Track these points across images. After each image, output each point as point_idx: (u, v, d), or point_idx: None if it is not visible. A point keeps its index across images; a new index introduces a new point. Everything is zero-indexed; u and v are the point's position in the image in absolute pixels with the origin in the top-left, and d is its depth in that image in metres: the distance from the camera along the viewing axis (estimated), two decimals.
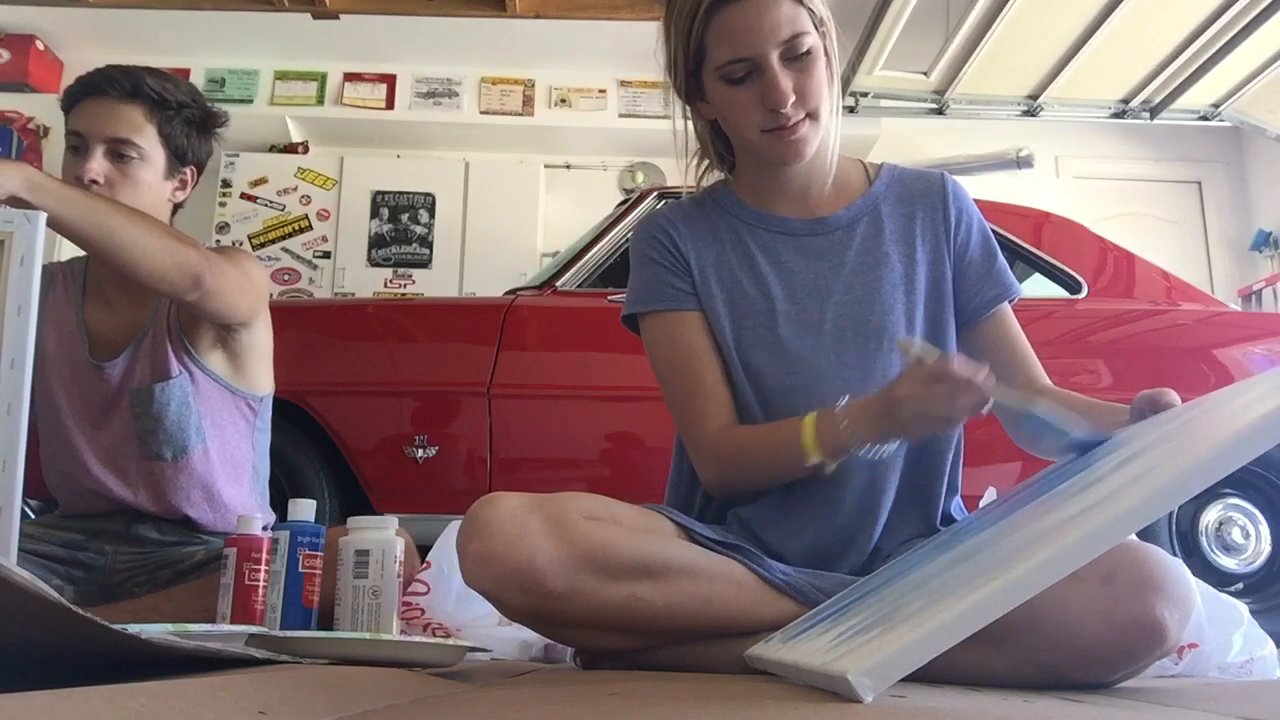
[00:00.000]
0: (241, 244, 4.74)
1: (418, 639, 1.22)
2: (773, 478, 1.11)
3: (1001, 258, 1.25)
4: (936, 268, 1.20)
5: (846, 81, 4.25)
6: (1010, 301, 1.23)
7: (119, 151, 1.47)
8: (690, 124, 1.26)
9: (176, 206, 1.59)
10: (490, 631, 1.42)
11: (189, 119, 1.54)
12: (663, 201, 2.82)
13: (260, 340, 1.58)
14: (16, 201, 1.16)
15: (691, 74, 1.17)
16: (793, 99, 1.09)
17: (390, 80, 5.00)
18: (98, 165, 1.45)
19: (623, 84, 5.04)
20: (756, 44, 1.08)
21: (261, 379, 1.62)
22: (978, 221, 1.24)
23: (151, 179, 1.50)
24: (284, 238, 4.85)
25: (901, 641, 0.57)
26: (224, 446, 1.56)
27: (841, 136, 1.21)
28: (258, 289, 1.51)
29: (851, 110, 4.30)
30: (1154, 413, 0.96)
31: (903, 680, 0.57)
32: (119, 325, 1.54)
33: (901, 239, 1.20)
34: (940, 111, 4.49)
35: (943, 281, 1.20)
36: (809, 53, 1.10)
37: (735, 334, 1.17)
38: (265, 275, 1.57)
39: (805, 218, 1.21)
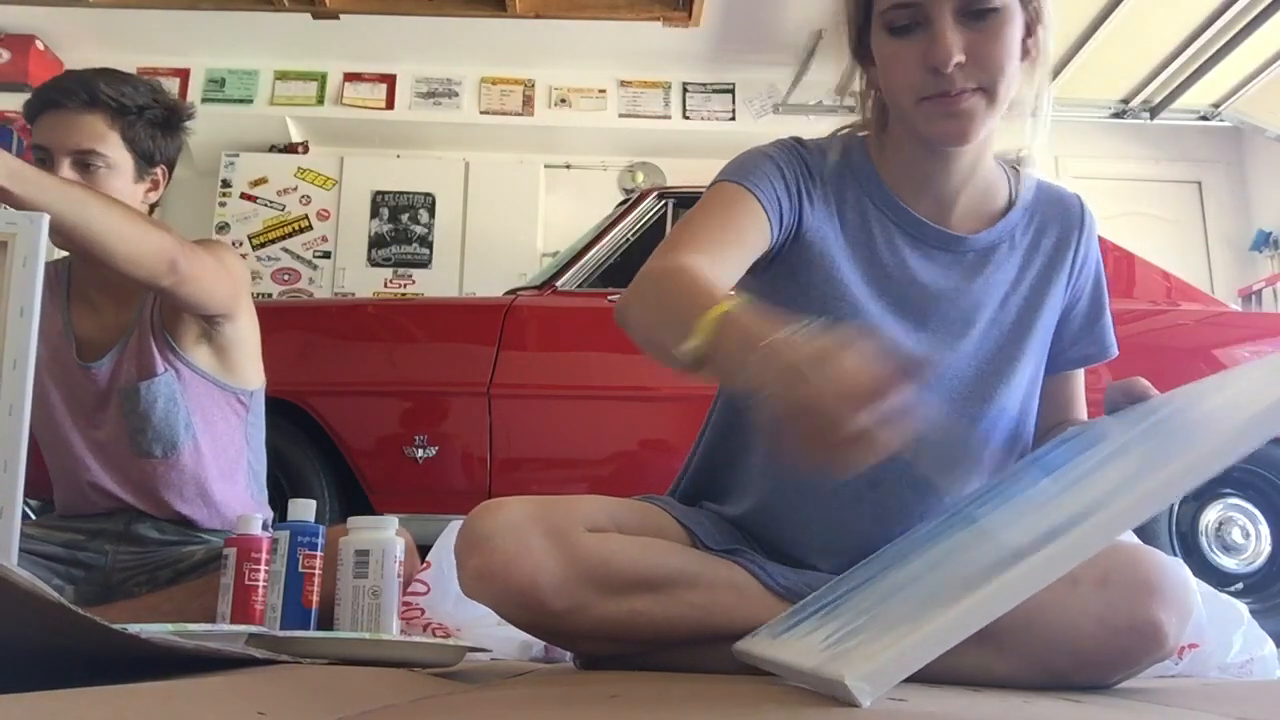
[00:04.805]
0: (241, 244, 4.74)
1: (418, 639, 1.22)
2: (657, 332, 0.86)
3: (1108, 314, 1.13)
4: (1052, 315, 1.09)
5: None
6: (1101, 363, 1.11)
7: (85, 162, 1.46)
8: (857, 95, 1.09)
9: (152, 208, 1.59)
10: (490, 631, 1.42)
11: (152, 120, 1.53)
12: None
13: (245, 334, 1.58)
14: None
15: (861, 28, 1.02)
16: (958, 60, 0.92)
17: (390, 80, 4.99)
18: (65, 177, 1.42)
19: (623, 84, 5.04)
20: None
21: (250, 373, 1.62)
22: (1096, 266, 1.12)
23: (121, 186, 1.49)
24: (284, 238, 4.84)
25: (897, 646, 0.57)
26: (215, 443, 1.56)
27: None
28: (235, 278, 1.50)
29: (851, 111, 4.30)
30: (1128, 403, 0.95)
31: (902, 682, 0.57)
32: (105, 328, 1.54)
33: (1029, 279, 1.08)
34: None
35: (1050, 329, 1.10)
36: (997, 12, 0.93)
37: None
38: (243, 267, 1.57)
39: (942, 227, 1.06)
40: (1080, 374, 1.16)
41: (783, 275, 1.06)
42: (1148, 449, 0.75)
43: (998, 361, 1.05)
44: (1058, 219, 1.11)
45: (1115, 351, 1.13)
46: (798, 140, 1.10)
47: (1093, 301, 1.13)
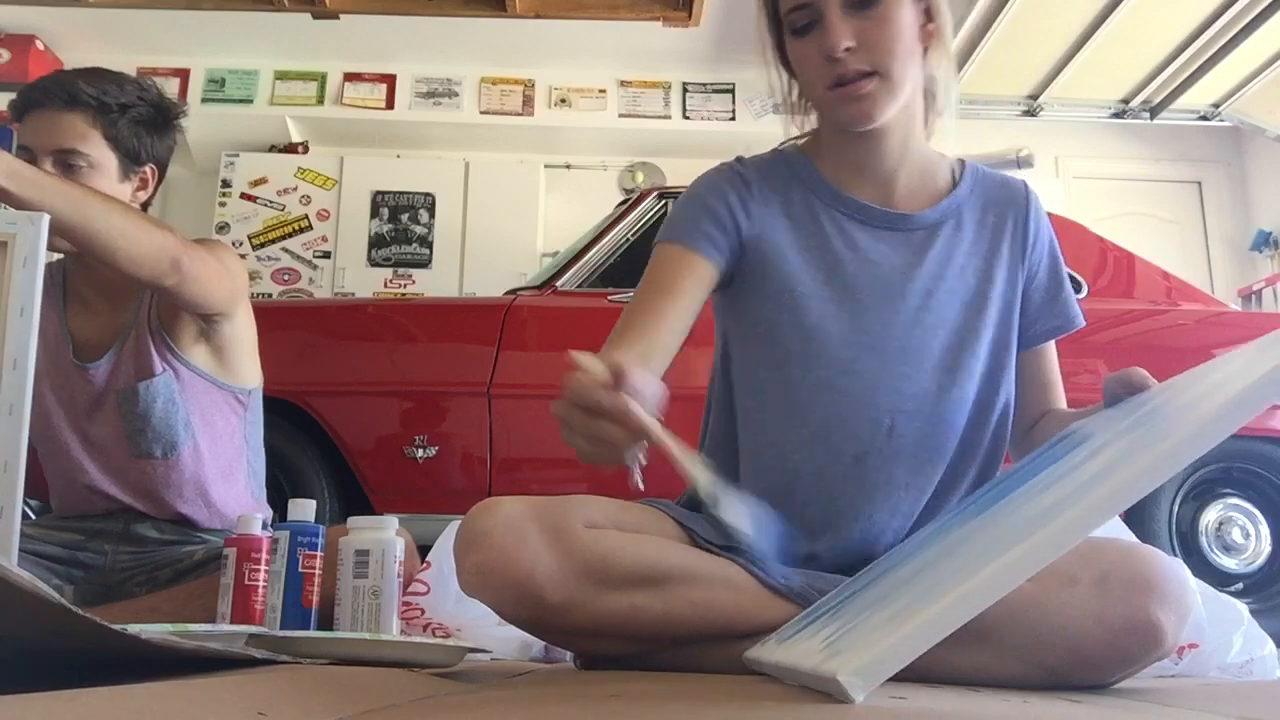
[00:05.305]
0: (241, 244, 4.75)
1: (418, 639, 1.22)
2: None
3: (1068, 286, 1.19)
4: (1010, 288, 1.14)
5: None
6: (1068, 334, 1.17)
7: (67, 162, 1.44)
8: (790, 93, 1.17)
9: (144, 206, 1.56)
10: (490, 631, 1.42)
11: (136, 119, 1.50)
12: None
13: (243, 333, 1.57)
14: None
15: (779, 40, 1.11)
16: (848, 45, 1.01)
17: (390, 80, 4.99)
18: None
19: (623, 84, 5.04)
20: None
21: (248, 372, 1.61)
22: (1050, 242, 1.19)
23: (105, 185, 1.46)
24: (284, 238, 4.84)
25: (888, 640, 0.58)
26: (215, 442, 1.56)
27: None
28: (235, 278, 1.50)
29: None
30: (1127, 394, 0.97)
31: (902, 683, 0.57)
32: (102, 329, 1.53)
33: (980, 252, 1.14)
34: None
35: (1014, 302, 1.14)
36: (883, 1, 1.02)
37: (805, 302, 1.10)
38: (242, 266, 1.56)
39: (886, 208, 1.13)
40: (1053, 352, 1.20)
41: (742, 286, 1.14)
42: (1132, 439, 0.75)
43: (963, 332, 1.10)
44: (1001, 200, 1.18)
45: (1081, 321, 1.18)
46: (739, 159, 1.18)
47: (1051, 275, 1.18)
